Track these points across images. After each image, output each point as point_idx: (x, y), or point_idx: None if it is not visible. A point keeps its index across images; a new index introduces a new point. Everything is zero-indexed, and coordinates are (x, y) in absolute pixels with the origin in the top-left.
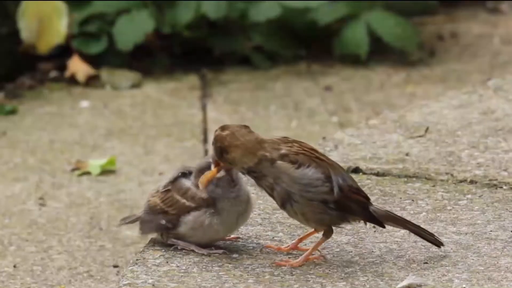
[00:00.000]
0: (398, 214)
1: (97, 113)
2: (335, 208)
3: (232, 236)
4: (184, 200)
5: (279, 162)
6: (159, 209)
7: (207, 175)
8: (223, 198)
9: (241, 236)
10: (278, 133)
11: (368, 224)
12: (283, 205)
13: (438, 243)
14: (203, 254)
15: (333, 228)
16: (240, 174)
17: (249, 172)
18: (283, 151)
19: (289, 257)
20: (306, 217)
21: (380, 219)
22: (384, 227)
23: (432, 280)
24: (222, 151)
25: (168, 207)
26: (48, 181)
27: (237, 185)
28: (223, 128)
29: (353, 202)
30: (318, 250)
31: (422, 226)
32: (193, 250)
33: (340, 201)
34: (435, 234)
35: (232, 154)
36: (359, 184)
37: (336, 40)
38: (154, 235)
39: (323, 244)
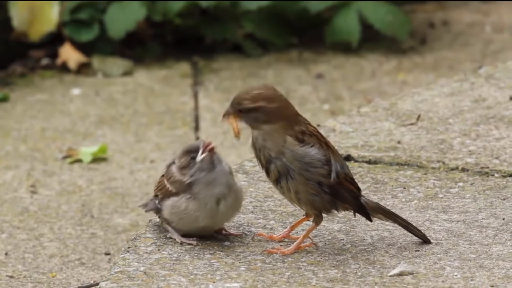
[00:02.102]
0: (390, 202)
1: (88, 100)
2: (328, 192)
3: (235, 232)
4: (168, 185)
5: (288, 137)
6: (154, 192)
7: (234, 128)
8: (199, 182)
9: (244, 233)
10: None
11: (357, 215)
12: (277, 180)
13: (426, 240)
14: (176, 242)
15: (323, 215)
16: (220, 159)
17: (262, 134)
18: (303, 128)
19: (280, 245)
20: (298, 196)
21: (369, 211)
22: (371, 220)
23: (424, 268)
24: (263, 99)
25: (159, 191)
26: (40, 169)
27: (215, 168)
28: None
29: (346, 190)
30: (310, 238)
31: (414, 213)
32: (174, 239)
33: (335, 187)
34: (427, 221)
35: (273, 106)
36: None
37: (328, 28)
38: (151, 222)
39: (313, 231)
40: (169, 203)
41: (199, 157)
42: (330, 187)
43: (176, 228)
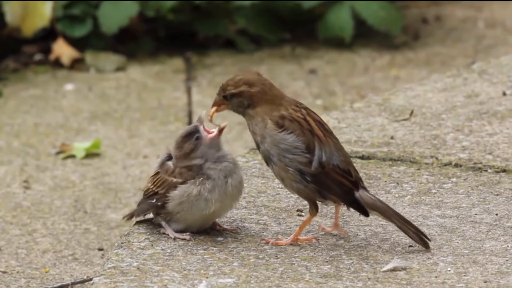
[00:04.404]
0: (383, 198)
1: (81, 96)
2: (311, 181)
3: (228, 227)
4: (171, 178)
5: (269, 122)
6: (151, 191)
7: (209, 112)
8: (209, 160)
9: (239, 229)
10: None
11: (352, 209)
12: (267, 163)
13: (424, 244)
14: (169, 237)
15: (319, 206)
16: (222, 141)
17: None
18: (284, 112)
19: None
20: (285, 183)
21: (365, 206)
22: (367, 215)
23: (417, 263)
24: (244, 84)
25: (158, 188)
26: (33, 164)
27: (220, 149)
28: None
29: (333, 181)
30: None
31: (407, 209)
32: (168, 234)
33: (318, 176)
34: (420, 217)
35: (254, 90)
36: None
37: (321, 23)
38: (143, 217)
39: (309, 223)
40: (177, 192)
41: (208, 135)
42: (313, 176)
43: (181, 220)
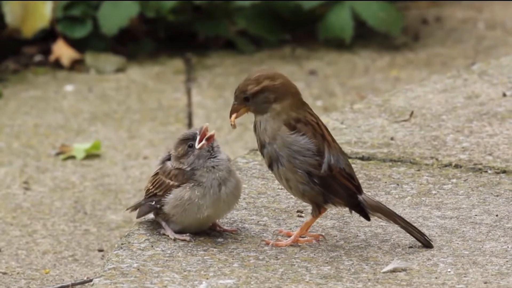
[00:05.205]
0: (383, 198)
1: (81, 97)
2: (318, 183)
3: (230, 228)
4: (168, 180)
5: (282, 124)
6: (151, 192)
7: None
8: (201, 168)
9: (239, 230)
10: None
11: (353, 213)
12: (270, 166)
13: (428, 244)
14: (169, 238)
15: (322, 208)
16: (219, 147)
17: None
18: (300, 116)
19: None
20: (289, 184)
21: (367, 210)
22: (368, 219)
23: (417, 264)
24: (266, 78)
25: (156, 189)
26: (33, 165)
27: (215, 154)
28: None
29: (340, 185)
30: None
31: (407, 210)
32: (168, 235)
33: (326, 179)
34: (420, 218)
35: (278, 83)
36: None
37: (321, 24)
38: (144, 218)
39: (311, 224)
40: (171, 196)
41: (198, 144)
42: (321, 179)
43: (177, 222)
